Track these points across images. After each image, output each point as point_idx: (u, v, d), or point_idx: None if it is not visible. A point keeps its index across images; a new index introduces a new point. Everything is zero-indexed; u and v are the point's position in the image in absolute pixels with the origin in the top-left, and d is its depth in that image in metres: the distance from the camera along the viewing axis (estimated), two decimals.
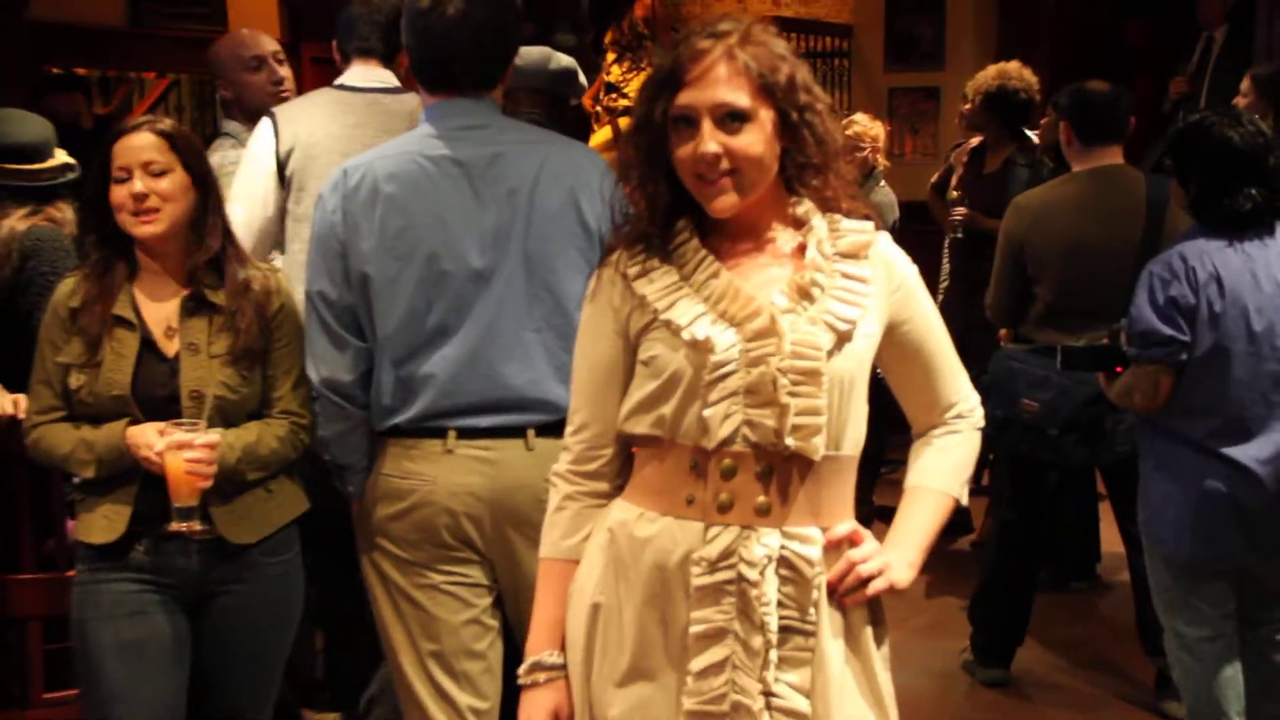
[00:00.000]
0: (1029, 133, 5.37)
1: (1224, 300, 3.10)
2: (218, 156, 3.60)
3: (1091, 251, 3.72)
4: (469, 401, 2.49)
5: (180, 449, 2.45)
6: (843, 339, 1.85)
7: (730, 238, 1.92)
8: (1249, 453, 3.16)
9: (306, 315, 2.57)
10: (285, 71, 3.73)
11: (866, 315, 1.89)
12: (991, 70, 5.23)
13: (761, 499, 1.83)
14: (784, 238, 1.93)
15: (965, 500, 2.04)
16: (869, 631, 1.92)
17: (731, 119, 1.81)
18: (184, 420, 2.49)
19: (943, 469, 2.02)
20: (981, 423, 2.06)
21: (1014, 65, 5.23)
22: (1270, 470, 3.16)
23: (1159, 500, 3.28)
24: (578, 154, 2.63)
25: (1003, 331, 4.46)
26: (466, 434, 2.49)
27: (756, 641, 1.81)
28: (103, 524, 2.56)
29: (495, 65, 2.56)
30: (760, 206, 1.89)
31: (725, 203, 1.83)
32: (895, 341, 1.96)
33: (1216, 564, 3.26)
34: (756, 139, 1.82)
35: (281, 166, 3.12)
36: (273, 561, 2.66)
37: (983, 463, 4.80)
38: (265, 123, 3.17)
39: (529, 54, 3.08)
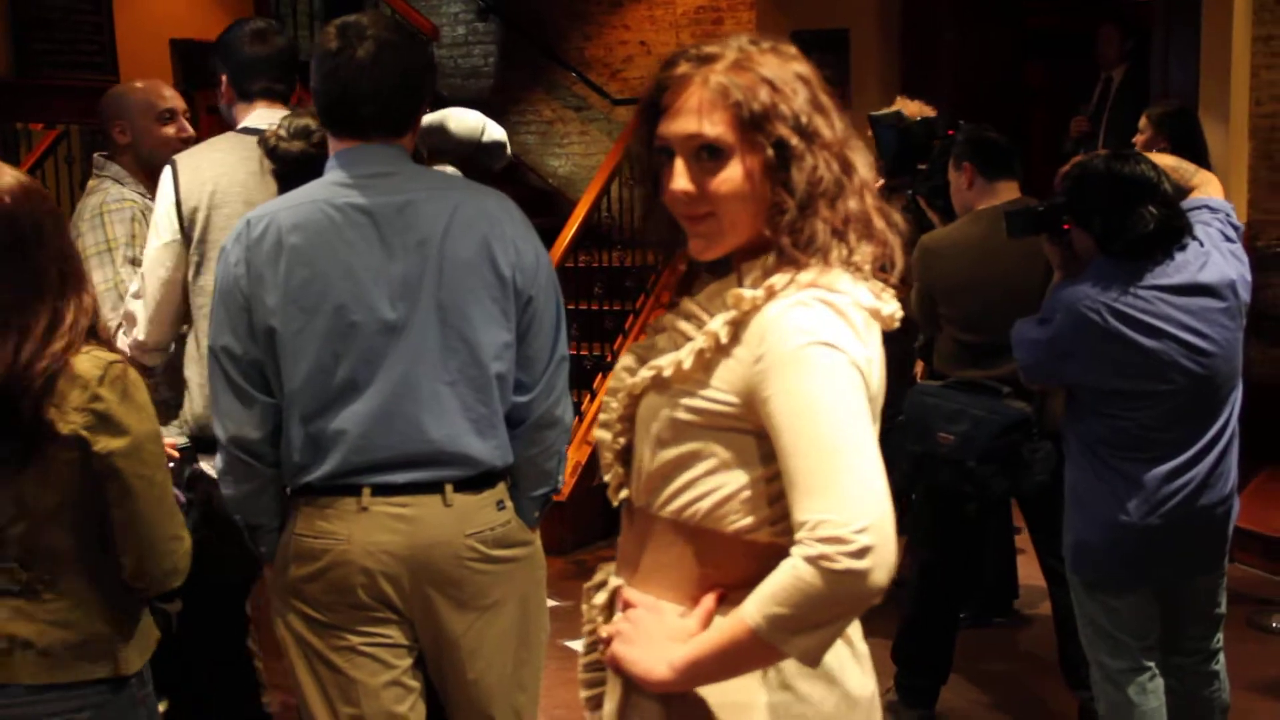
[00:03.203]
0: None
1: (1127, 337, 3.15)
2: (97, 198, 3.53)
3: (997, 287, 3.78)
4: (384, 457, 2.43)
5: None
6: (677, 395, 1.68)
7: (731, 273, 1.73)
8: (1163, 478, 3.21)
9: (210, 371, 2.50)
10: (191, 130, 3.67)
11: (714, 379, 1.65)
12: (891, 109, 5.21)
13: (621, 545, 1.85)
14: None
15: (764, 628, 1.52)
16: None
17: (707, 154, 1.64)
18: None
19: (755, 592, 1.55)
20: (817, 552, 1.47)
21: (914, 104, 5.26)
22: (1177, 488, 3.21)
23: (1081, 529, 3.32)
24: (490, 201, 2.57)
25: (918, 367, 4.49)
26: (382, 490, 2.44)
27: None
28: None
29: (405, 112, 2.50)
30: (749, 252, 1.69)
31: (699, 247, 1.70)
32: (765, 422, 1.60)
33: (1138, 584, 3.31)
34: (732, 177, 1.63)
35: (183, 220, 2.98)
36: None
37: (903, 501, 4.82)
38: (166, 174, 3.03)
39: (465, 120, 3.05)
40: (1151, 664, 3.36)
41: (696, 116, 1.64)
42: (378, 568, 2.43)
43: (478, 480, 2.50)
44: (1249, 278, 3.34)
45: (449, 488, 2.46)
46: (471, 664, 2.56)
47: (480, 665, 2.57)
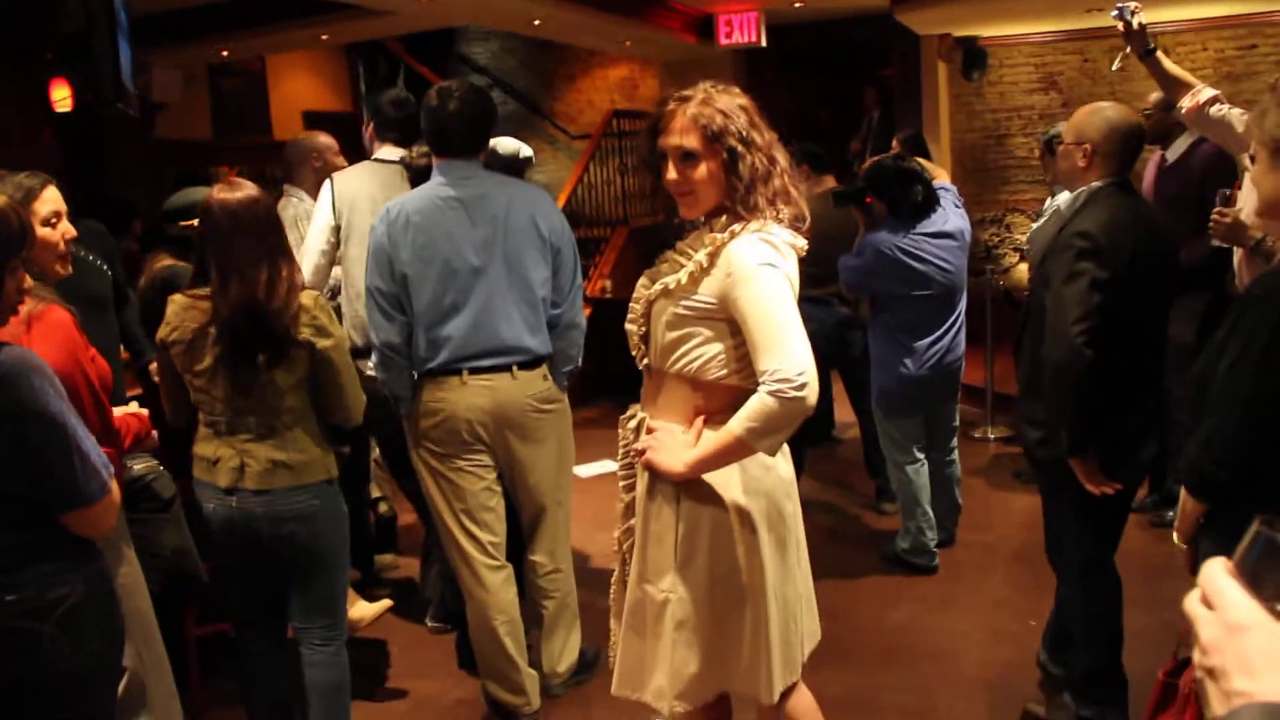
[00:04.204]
0: None
1: (906, 263, 3.12)
2: (292, 209, 3.32)
3: (828, 236, 3.69)
4: (475, 350, 2.36)
5: None
6: (677, 299, 1.63)
7: (704, 225, 1.69)
8: (927, 346, 3.22)
9: (367, 303, 2.39)
10: (341, 161, 3.44)
11: (700, 289, 1.60)
12: None
13: (644, 392, 1.78)
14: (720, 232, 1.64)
15: (745, 436, 1.53)
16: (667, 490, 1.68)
17: (686, 157, 1.60)
18: None
19: (737, 414, 1.55)
20: (776, 388, 1.48)
21: None
22: (934, 353, 3.23)
23: (881, 380, 3.33)
24: (533, 190, 2.51)
25: None
26: (474, 371, 2.37)
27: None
28: None
29: (478, 139, 2.42)
30: (714, 212, 1.66)
31: (685, 210, 1.67)
32: (734, 313, 1.57)
33: (913, 412, 3.34)
34: (703, 170, 1.60)
35: (337, 214, 2.84)
36: None
37: None
38: (326, 186, 2.88)
39: (507, 145, 2.91)
40: (921, 456, 3.41)
41: (680, 134, 1.61)
42: (474, 418, 2.38)
43: (531, 363, 2.44)
44: (969, 229, 3.34)
45: (515, 368, 2.40)
46: (530, 474, 2.51)
47: (535, 475, 2.52)
